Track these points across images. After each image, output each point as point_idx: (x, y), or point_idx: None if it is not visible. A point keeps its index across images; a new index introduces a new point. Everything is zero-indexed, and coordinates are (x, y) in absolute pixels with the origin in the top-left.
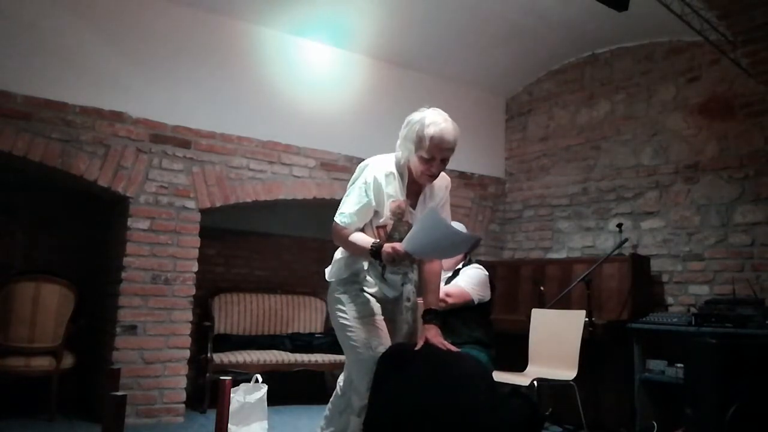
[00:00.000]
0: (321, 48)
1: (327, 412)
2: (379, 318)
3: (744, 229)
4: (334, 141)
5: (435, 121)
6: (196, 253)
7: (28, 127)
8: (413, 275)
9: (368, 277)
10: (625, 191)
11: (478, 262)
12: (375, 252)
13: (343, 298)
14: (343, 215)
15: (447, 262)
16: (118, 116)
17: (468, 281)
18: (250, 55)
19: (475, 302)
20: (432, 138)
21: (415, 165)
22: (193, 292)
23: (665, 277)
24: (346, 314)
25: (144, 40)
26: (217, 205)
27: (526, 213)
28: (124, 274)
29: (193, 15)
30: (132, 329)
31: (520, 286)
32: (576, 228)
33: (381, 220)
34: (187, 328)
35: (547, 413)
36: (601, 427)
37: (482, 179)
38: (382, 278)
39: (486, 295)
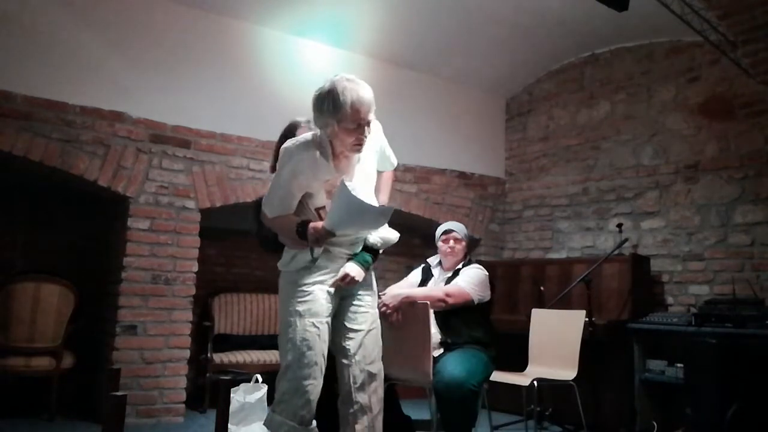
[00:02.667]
0: (321, 48)
1: None
2: (323, 321)
3: (744, 229)
4: None
5: (346, 86)
6: (196, 253)
7: (28, 127)
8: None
9: (320, 262)
10: (625, 191)
11: (478, 262)
12: (301, 233)
13: (291, 290)
14: (266, 206)
15: (447, 262)
16: (118, 116)
17: (468, 281)
18: (251, 55)
19: (475, 302)
20: (352, 105)
21: (342, 138)
22: (193, 292)
23: (665, 277)
24: (292, 310)
25: (144, 40)
26: (217, 205)
27: (526, 213)
28: (124, 274)
29: (194, 15)
30: (132, 329)
31: (520, 286)
32: (576, 228)
33: (318, 202)
34: (187, 328)
35: (547, 413)
36: (601, 427)
37: (482, 179)
38: (311, 254)
39: (486, 295)
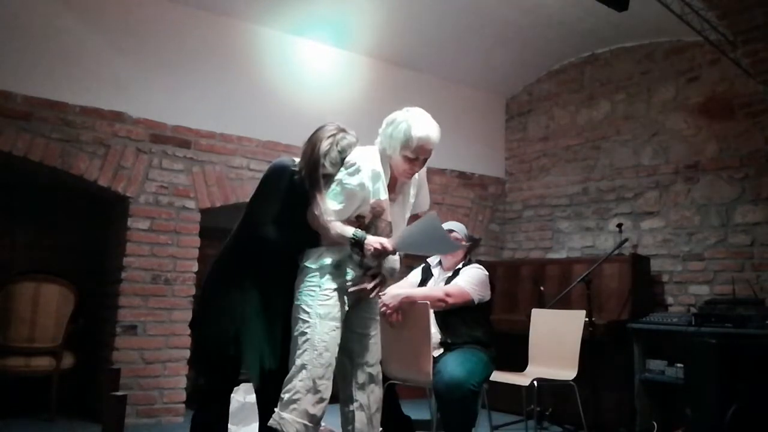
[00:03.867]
0: (321, 48)
1: None
2: (339, 326)
3: (744, 229)
4: None
5: (421, 123)
6: (196, 253)
7: (28, 127)
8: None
9: (348, 268)
10: (625, 191)
11: (478, 262)
12: (356, 242)
13: (314, 292)
14: (325, 210)
15: (447, 262)
16: (118, 116)
17: (468, 281)
18: (250, 55)
19: (475, 302)
20: (420, 139)
21: (398, 163)
22: (193, 292)
23: (665, 277)
24: (312, 312)
25: (144, 40)
26: (217, 205)
27: (526, 213)
28: (124, 274)
29: (194, 15)
30: (132, 329)
31: (520, 286)
32: (576, 228)
33: (362, 211)
34: (187, 328)
35: (547, 413)
36: (601, 427)
37: (482, 179)
38: (359, 266)
39: (486, 294)
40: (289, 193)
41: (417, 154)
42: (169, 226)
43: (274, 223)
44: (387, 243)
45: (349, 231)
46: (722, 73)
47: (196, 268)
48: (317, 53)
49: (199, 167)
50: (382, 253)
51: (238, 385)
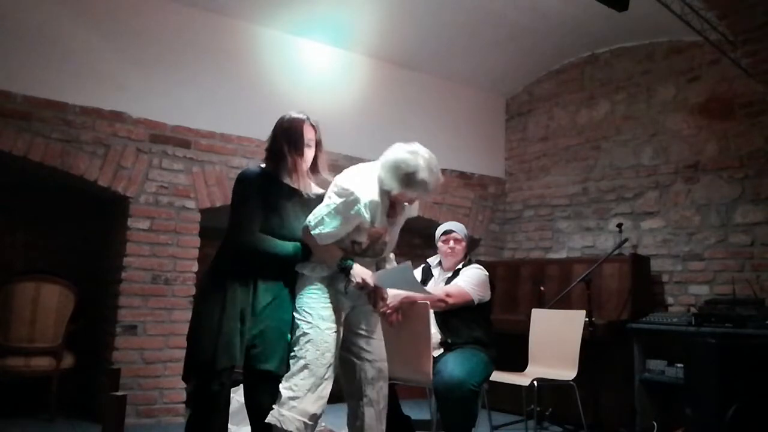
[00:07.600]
0: (321, 48)
1: None
2: (340, 328)
3: (744, 229)
4: (334, 141)
5: (425, 167)
6: (196, 253)
7: (28, 127)
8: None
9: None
10: (625, 191)
11: (478, 262)
12: (343, 268)
13: (316, 294)
14: (320, 234)
15: (447, 263)
16: (118, 116)
17: (468, 281)
18: (250, 55)
19: (475, 302)
20: (422, 184)
21: (397, 196)
22: (193, 292)
23: (665, 277)
24: (314, 313)
25: (144, 39)
26: (217, 205)
27: (526, 213)
28: (124, 274)
29: (193, 15)
30: (132, 329)
31: (520, 286)
32: (576, 228)
33: (357, 237)
34: (187, 328)
35: (547, 413)
36: (601, 427)
37: (482, 179)
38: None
39: (486, 295)
40: (266, 199)
41: (417, 196)
42: (169, 226)
43: (260, 231)
44: (369, 279)
45: (338, 256)
46: (722, 73)
47: (196, 268)
48: (317, 53)
49: (199, 167)
50: (363, 288)
51: (234, 386)
